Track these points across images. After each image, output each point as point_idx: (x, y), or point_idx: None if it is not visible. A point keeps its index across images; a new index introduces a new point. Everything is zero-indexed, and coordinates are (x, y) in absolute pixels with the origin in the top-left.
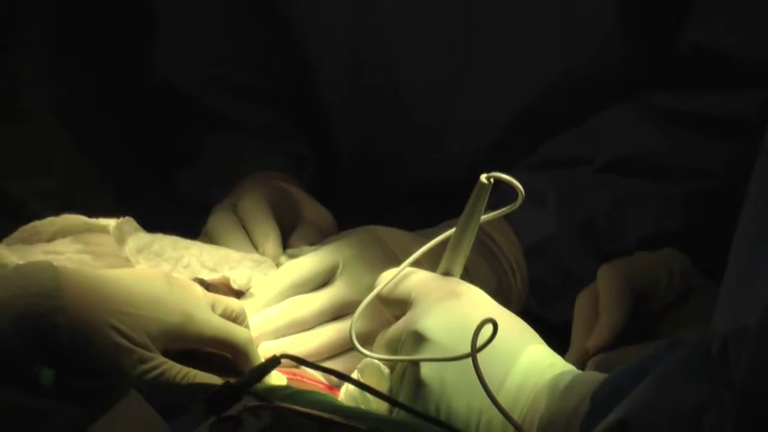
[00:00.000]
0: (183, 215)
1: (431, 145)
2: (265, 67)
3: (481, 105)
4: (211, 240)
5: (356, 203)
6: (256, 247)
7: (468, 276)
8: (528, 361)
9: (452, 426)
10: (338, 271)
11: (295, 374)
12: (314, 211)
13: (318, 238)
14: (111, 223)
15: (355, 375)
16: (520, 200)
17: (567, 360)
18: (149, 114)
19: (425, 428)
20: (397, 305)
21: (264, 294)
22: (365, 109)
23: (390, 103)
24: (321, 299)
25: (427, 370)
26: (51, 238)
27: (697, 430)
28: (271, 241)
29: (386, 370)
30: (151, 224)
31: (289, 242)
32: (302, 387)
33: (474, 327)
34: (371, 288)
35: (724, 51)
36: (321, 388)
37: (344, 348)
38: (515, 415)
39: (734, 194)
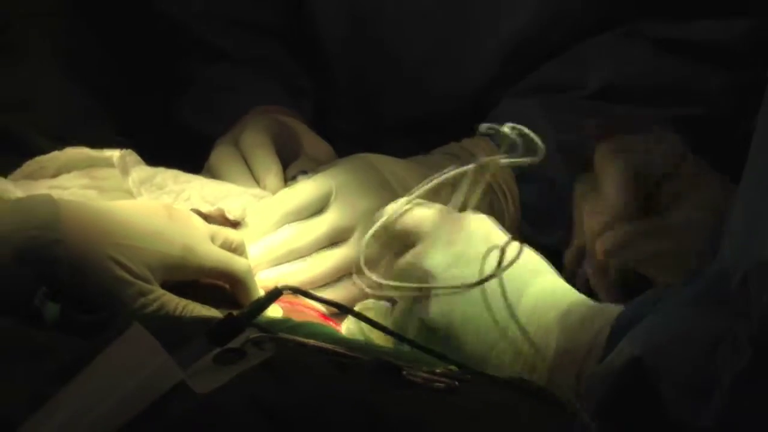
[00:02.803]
0: (185, 150)
1: (427, 78)
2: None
3: (475, 38)
4: (213, 175)
5: (353, 135)
6: (257, 182)
7: None
8: (540, 288)
9: (455, 360)
10: (332, 198)
11: (292, 302)
12: (315, 144)
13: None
14: (115, 154)
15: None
16: (541, 156)
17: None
18: (149, 46)
19: (428, 360)
20: (403, 237)
21: (260, 224)
22: (361, 43)
23: (385, 36)
24: (316, 227)
25: (435, 308)
26: (56, 174)
27: (710, 364)
28: (272, 175)
29: (385, 305)
30: (153, 158)
31: (286, 173)
32: (299, 315)
33: (480, 260)
34: (364, 213)
35: None
36: (316, 317)
37: (341, 274)
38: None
39: (723, 120)
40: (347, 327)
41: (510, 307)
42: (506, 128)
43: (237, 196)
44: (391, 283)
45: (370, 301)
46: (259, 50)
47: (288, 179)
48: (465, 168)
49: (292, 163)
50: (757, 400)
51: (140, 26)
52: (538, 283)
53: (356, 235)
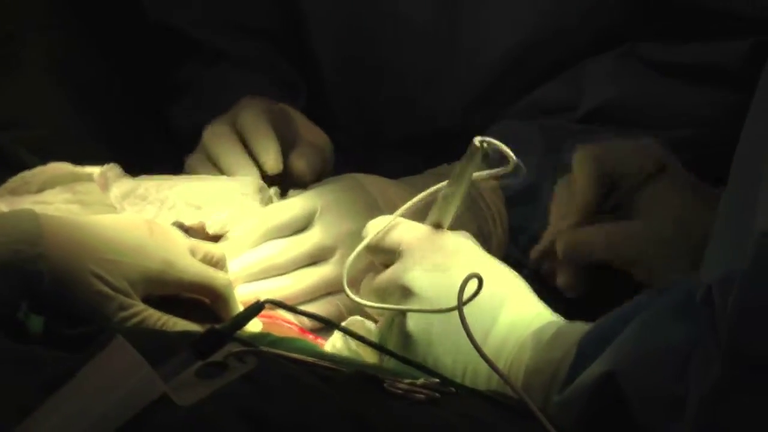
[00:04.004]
0: (179, 153)
1: (423, 95)
2: (257, 5)
3: (471, 55)
4: (207, 154)
5: (350, 148)
6: (256, 161)
7: None
8: (513, 312)
9: (439, 373)
10: (316, 216)
11: (270, 317)
12: (311, 130)
13: (317, 157)
14: (96, 170)
15: (338, 333)
16: (511, 167)
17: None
18: (144, 52)
19: (411, 373)
20: (384, 254)
21: (242, 238)
22: (357, 61)
23: (382, 54)
24: (298, 245)
25: (414, 323)
26: (40, 189)
27: (682, 375)
28: (272, 154)
29: (372, 326)
30: (147, 163)
31: (289, 160)
32: (278, 330)
33: (460, 282)
34: (348, 234)
35: (709, 2)
36: (296, 331)
37: (320, 293)
38: (500, 365)
39: (717, 141)
40: (333, 344)
41: (484, 331)
42: (476, 141)
43: (224, 194)
44: (371, 304)
45: (357, 318)
46: (255, 52)
47: (290, 164)
48: (439, 185)
49: (288, 148)
50: (728, 412)
51: (137, 40)
52: (513, 303)
53: (338, 255)
